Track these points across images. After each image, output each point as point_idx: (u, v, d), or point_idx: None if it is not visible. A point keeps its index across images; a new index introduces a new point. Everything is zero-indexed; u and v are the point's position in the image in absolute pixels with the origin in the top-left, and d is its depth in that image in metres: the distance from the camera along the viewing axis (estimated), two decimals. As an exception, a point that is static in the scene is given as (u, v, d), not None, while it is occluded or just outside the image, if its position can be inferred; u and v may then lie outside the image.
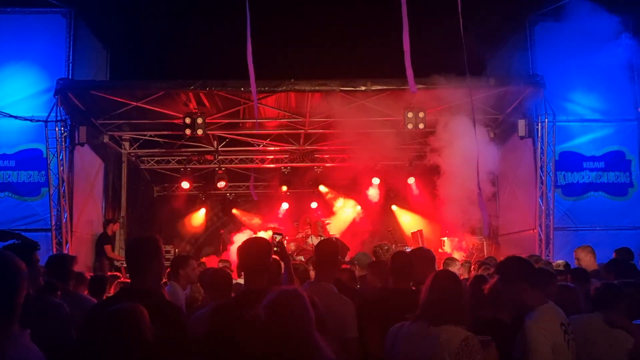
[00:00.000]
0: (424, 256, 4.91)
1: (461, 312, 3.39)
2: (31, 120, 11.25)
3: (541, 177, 11.65)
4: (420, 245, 12.61)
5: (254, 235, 8.63)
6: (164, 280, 5.98)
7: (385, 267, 5.80)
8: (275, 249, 3.80)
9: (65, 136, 11.26)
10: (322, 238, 12.23)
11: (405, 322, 3.52)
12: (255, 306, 2.81)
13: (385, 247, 6.35)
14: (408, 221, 17.58)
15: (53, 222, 11.13)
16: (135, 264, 3.46)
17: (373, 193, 17.65)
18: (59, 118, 11.11)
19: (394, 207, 18.60)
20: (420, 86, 11.22)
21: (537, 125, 11.71)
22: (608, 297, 4.32)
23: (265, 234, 12.47)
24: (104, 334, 2.79)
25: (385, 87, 11.53)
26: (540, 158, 11.65)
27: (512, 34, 13.14)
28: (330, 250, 4.40)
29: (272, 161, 16.95)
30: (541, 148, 11.63)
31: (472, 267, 8.56)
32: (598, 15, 11.35)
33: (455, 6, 8.34)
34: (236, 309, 3.15)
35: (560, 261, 8.59)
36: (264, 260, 3.51)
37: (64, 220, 11.13)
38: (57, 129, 11.08)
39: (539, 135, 11.67)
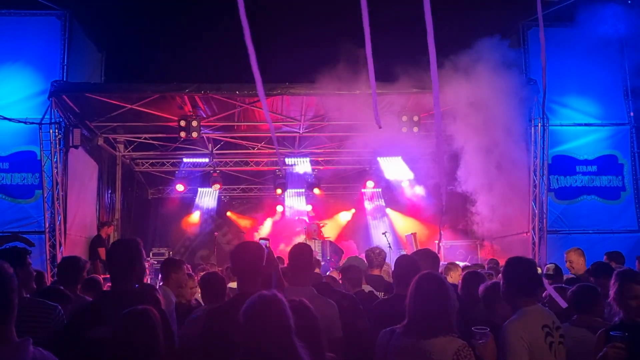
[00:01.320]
0: (427, 257, 4.89)
1: (449, 318, 3.28)
2: (25, 123, 11.22)
3: (534, 181, 11.71)
4: (415, 248, 12.65)
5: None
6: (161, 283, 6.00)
7: (358, 273, 5.83)
8: None
9: (59, 138, 11.23)
10: (316, 241, 12.25)
11: (396, 328, 3.43)
12: None
13: (377, 251, 6.35)
14: (402, 224, 17.63)
15: (47, 225, 11.10)
16: (118, 267, 3.51)
17: (367, 196, 17.72)
18: (53, 120, 11.09)
19: (388, 210, 18.66)
20: (415, 90, 11.29)
21: (531, 129, 11.76)
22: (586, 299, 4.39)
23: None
24: (125, 335, 2.80)
25: (380, 91, 11.53)
26: (534, 162, 11.71)
27: (505, 39, 13.20)
28: (305, 254, 4.44)
29: (266, 164, 16.96)
30: (534, 152, 11.69)
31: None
32: (591, 21, 11.43)
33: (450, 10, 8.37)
34: (230, 313, 3.16)
35: (550, 265, 8.64)
36: (257, 264, 3.52)
37: (58, 223, 11.10)
38: (51, 131, 11.06)
39: (533, 139, 11.73)
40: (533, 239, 11.68)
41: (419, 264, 4.54)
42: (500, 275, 3.91)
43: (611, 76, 12.37)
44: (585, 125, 12.25)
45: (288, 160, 16.27)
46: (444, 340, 3.19)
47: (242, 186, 18.96)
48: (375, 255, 6.24)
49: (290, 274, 4.39)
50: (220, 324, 3.22)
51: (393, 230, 17.67)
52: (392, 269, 4.83)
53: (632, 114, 12.33)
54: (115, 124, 13.29)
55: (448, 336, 3.21)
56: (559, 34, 12.14)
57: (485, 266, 9.16)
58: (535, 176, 11.70)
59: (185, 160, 16.33)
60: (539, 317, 3.57)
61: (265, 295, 2.78)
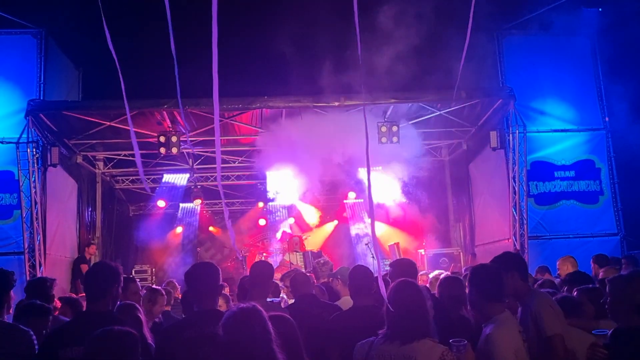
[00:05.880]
0: (406, 266, 4.88)
1: (428, 322, 3.35)
2: (2, 142, 11.14)
3: (514, 187, 11.80)
4: (398, 258, 12.66)
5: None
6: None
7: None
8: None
9: (37, 157, 11.11)
10: (298, 253, 12.23)
11: (374, 338, 3.42)
12: (203, 326, 2.86)
13: (322, 262, 6.36)
14: (385, 234, 17.62)
15: (26, 245, 10.96)
16: (95, 288, 3.57)
17: (350, 207, 17.74)
18: (30, 139, 10.97)
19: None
20: (393, 100, 11.39)
21: (509, 136, 11.87)
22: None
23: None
24: (94, 357, 2.79)
25: (358, 102, 11.59)
26: (512, 168, 11.81)
27: (481, 47, 13.36)
28: (265, 271, 4.61)
29: (248, 177, 16.91)
30: (513, 158, 11.79)
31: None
32: (564, 28, 11.64)
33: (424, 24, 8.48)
34: (183, 330, 3.20)
35: (537, 268, 8.74)
36: (214, 284, 3.61)
37: (37, 243, 10.95)
38: (28, 150, 10.95)
39: (511, 145, 11.83)
40: (514, 245, 11.76)
41: (371, 273, 4.53)
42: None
43: (586, 82, 12.58)
44: (562, 131, 12.42)
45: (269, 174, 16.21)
46: (427, 344, 3.23)
47: (225, 200, 18.82)
48: (320, 266, 6.27)
49: (250, 288, 4.56)
50: (171, 342, 3.23)
51: (377, 240, 17.65)
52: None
53: (607, 119, 12.53)
54: (94, 142, 13.20)
55: (429, 340, 3.26)
56: (534, 42, 12.35)
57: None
58: (515, 182, 11.80)
59: (165, 176, 16.22)
60: (513, 322, 3.65)
61: (245, 307, 2.84)
